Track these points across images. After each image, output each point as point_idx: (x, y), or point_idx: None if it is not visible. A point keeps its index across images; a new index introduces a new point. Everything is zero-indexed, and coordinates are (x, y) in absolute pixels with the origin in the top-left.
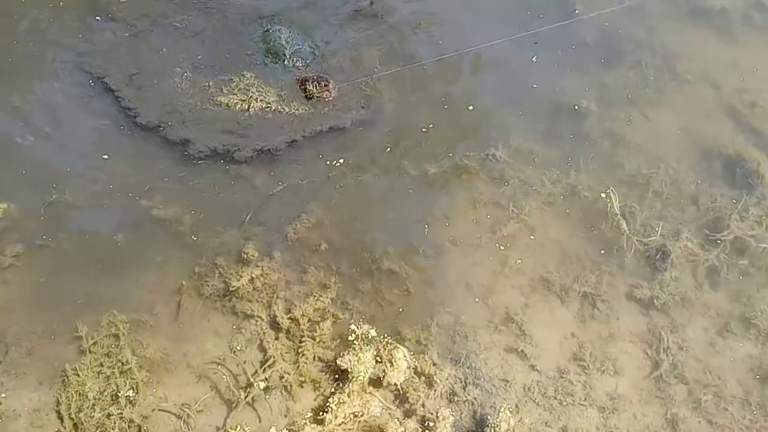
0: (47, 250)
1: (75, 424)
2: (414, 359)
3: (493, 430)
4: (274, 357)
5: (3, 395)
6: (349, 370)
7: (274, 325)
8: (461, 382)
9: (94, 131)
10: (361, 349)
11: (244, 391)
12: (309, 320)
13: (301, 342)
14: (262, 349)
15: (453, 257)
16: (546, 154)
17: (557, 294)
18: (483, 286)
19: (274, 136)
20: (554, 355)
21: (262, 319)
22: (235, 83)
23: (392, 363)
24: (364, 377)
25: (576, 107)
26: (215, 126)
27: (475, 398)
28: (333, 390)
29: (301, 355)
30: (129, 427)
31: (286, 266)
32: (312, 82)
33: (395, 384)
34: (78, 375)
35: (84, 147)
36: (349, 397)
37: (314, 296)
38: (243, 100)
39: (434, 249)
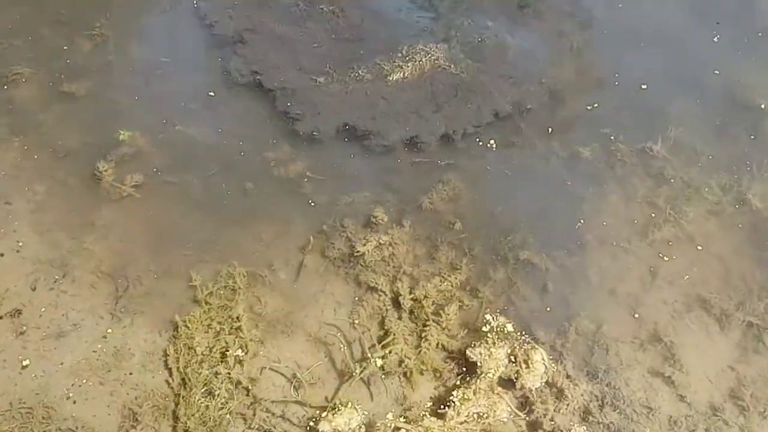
0: (170, 187)
1: (183, 379)
2: (552, 365)
3: None
4: (395, 336)
5: (109, 330)
6: (479, 364)
7: (397, 303)
8: (598, 400)
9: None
10: (494, 343)
11: (359, 366)
12: (433, 303)
13: (425, 326)
14: (383, 326)
15: (598, 257)
16: (717, 155)
17: (716, 318)
18: (630, 295)
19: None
20: (707, 387)
21: (386, 294)
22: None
23: (528, 365)
24: (494, 375)
25: (763, 106)
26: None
27: (612, 422)
28: (457, 383)
29: (424, 339)
30: (236, 388)
31: (415, 239)
32: None
33: (528, 389)
34: (188, 327)
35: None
36: (475, 394)
37: (442, 277)
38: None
39: (579, 245)
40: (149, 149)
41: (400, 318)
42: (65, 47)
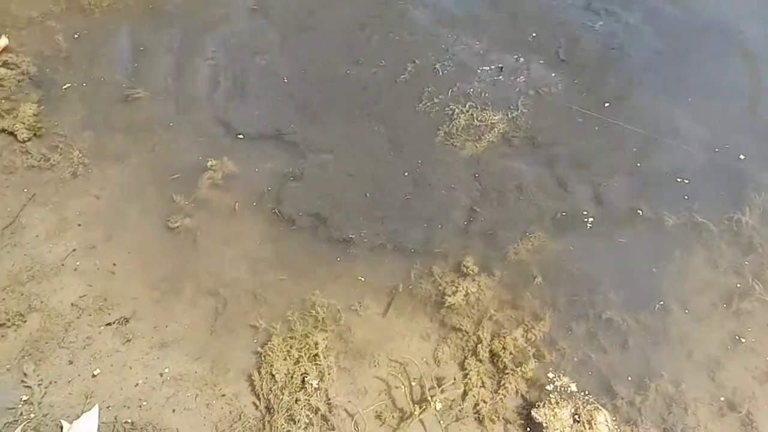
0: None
1: (267, 406)
2: (616, 427)
3: None
4: (456, 380)
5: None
6: (544, 425)
7: (477, 348)
8: None
9: None
10: (557, 403)
11: (419, 407)
12: (515, 350)
13: (504, 373)
14: (463, 367)
15: (680, 319)
16: None
17: None
18: (710, 357)
19: None
20: None
21: (469, 335)
22: None
23: (591, 426)
24: None
25: None
26: None
27: None
28: None
29: (502, 387)
30: (315, 413)
31: (502, 286)
32: None
33: None
34: (270, 354)
35: None
36: None
37: (525, 326)
38: None
39: (661, 305)
40: None
41: (480, 361)
42: None
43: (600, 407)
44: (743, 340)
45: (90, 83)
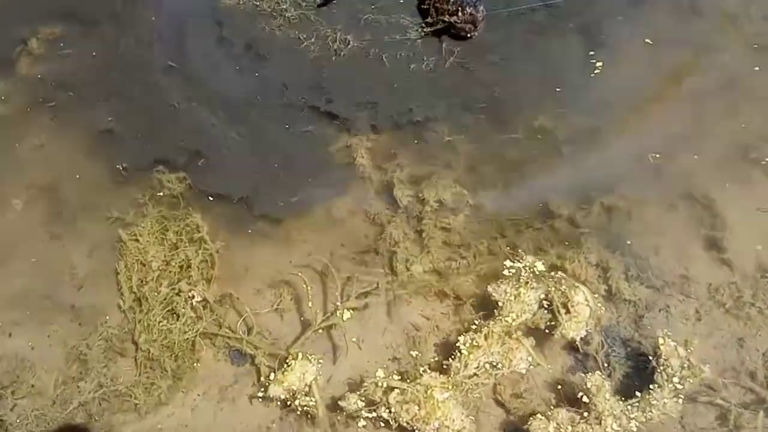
0: None
1: (137, 299)
2: (599, 303)
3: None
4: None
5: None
6: (500, 304)
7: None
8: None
9: None
10: (526, 283)
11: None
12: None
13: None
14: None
15: None
16: None
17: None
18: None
19: None
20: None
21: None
22: None
23: (569, 309)
24: (514, 321)
25: None
26: None
27: (640, 299)
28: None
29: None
30: (204, 307)
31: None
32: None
33: (572, 339)
34: (138, 241)
35: None
36: (486, 339)
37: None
38: None
39: None
40: None
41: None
42: None
43: (577, 284)
44: None
45: None
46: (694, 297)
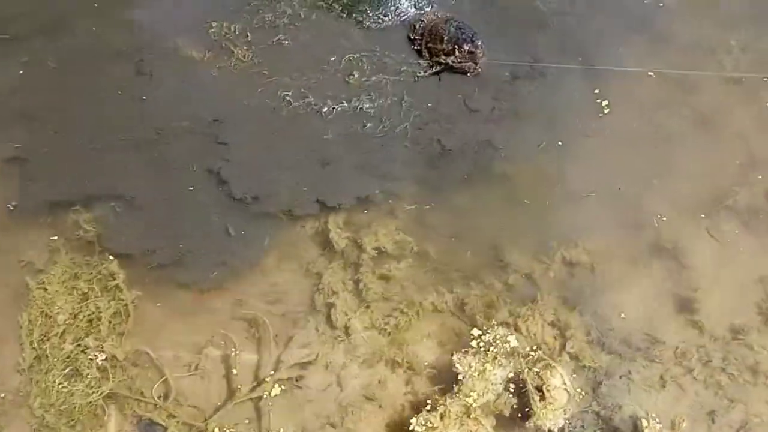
0: None
1: (38, 356)
2: (574, 385)
3: None
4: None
5: None
6: (461, 378)
7: None
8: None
9: None
10: (494, 359)
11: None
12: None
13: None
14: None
15: None
16: None
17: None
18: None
19: None
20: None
21: None
22: None
23: (544, 394)
24: (474, 401)
25: None
26: None
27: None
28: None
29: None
30: (113, 366)
31: None
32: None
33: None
34: (46, 290)
35: None
36: (443, 419)
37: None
38: None
39: None
40: None
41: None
42: None
43: (554, 364)
44: None
45: None
46: (659, 361)
